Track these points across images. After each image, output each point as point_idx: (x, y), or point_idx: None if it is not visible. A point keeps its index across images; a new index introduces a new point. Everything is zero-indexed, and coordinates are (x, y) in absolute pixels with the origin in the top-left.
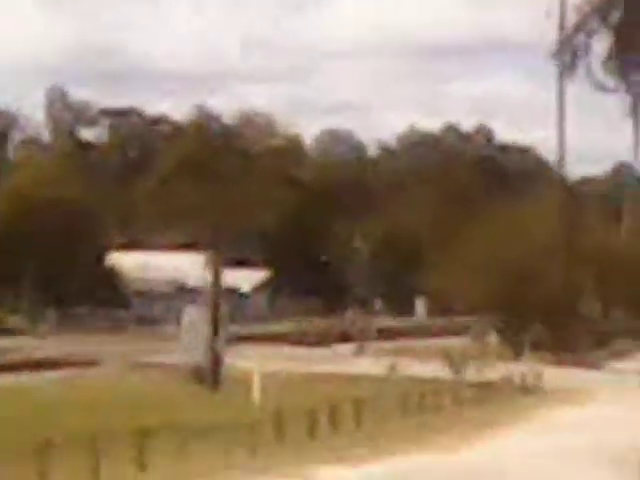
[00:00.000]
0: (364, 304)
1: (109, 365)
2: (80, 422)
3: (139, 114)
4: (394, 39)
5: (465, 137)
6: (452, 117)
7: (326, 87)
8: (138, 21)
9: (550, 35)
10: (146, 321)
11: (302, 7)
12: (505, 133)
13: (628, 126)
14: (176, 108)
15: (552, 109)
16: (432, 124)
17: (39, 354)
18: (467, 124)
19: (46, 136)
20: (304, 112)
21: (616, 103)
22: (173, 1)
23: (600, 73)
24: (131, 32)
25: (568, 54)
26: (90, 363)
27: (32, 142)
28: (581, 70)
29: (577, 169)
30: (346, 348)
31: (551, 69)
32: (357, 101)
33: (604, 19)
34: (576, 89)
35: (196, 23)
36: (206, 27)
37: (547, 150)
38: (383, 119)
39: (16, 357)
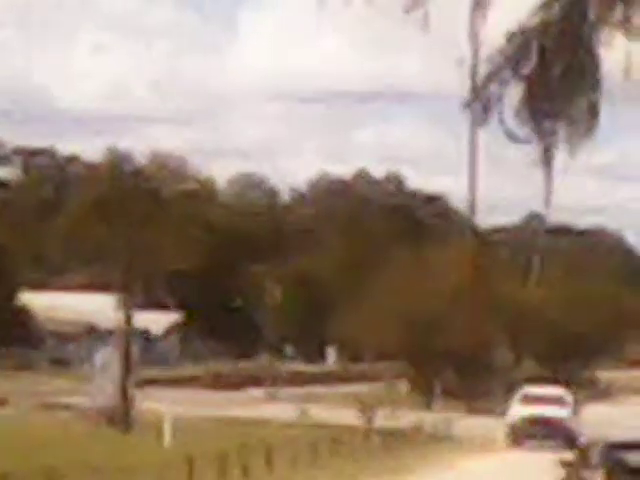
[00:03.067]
0: (275, 349)
1: (16, 405)
2: None
3: (52, 154)
4: (299, 84)
5: (375, 183)
6: (360, 164)
7: (233, 131)
8: (47, 63)
9: (460, 83)
10: (59, 362)
11: (209, 51)
12: (415, 181)
13: (538, 176)
14: (86, 149)
15: (462, 158)
16: (340, 170)
17: None
18: (377, 171)
19: None
20: (212, 155)
21: (525, 153)
22: (81, 42)
23: (512, 122)
24: (41, 74)
25: (480, 103)
26: None
27: None
28: (493, 119)
29: (487, 218)
30: (257, 392)
31: (461, 117)
32: (264, 146)
33: (516, 69)
34: (486, 138)
35: (103, 65)
36: (115, 69)
37: (457, 199)
38: (291, 165)
39: None
